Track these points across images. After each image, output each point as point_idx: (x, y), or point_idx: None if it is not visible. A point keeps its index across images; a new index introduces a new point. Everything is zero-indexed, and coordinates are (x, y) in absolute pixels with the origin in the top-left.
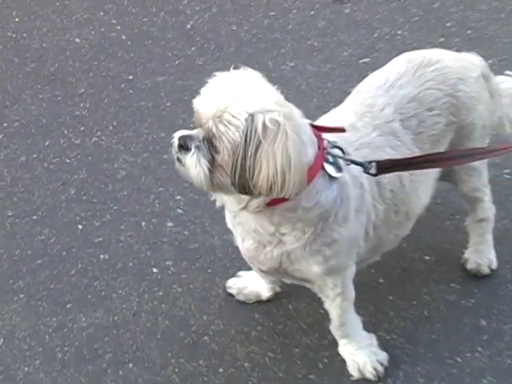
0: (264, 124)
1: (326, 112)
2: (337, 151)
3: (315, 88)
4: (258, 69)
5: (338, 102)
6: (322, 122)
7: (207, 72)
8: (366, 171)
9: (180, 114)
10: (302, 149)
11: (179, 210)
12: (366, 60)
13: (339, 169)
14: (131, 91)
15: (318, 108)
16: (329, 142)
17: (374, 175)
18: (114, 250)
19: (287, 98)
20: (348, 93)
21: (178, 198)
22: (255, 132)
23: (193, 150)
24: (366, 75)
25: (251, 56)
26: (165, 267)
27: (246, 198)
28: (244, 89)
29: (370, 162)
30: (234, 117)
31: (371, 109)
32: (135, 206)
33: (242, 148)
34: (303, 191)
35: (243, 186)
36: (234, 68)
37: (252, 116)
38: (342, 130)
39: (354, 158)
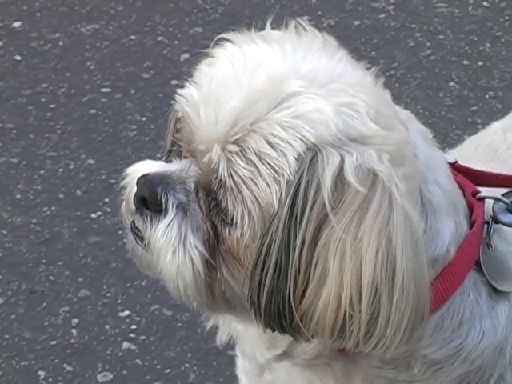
0: (340, 176)
1: (482, 122)
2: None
3: (454, 54)
4: (331, 20)
5: (509, 95)
6: (473, 149)
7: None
8: None
9: (132, 113)
10: (427, 238)
11: (127, 344)
12: None
13: None
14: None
15: (463, 110)
16: (498, 200)
17: None
18: None
19: (396, 96)
20: None
21: (126, 313)
22: (317, 192)
23: (171, 214)
24: None
25: None
26: None
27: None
28: (299, 81)
29: None
30: (271, 146)
31: None
32: (23, 333)
33: (283, 224)
34: (422, 325)
35: (277, 313)
36: (274, 25)
37: (314, 153)
38: None
39: None
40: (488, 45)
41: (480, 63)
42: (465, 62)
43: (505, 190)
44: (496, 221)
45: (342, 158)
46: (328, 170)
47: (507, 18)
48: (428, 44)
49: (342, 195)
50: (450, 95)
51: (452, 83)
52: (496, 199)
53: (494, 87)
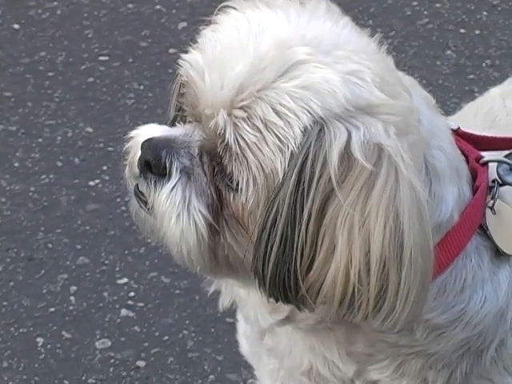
0: (347, 152)
1: (479, 91)
2: None
3: (452, 23)
4: None
5: (506, 64)
6: (472, 116)
7: None
8: None
9: (130, 81)
10: (431, 204)
11: (125, 311)
12: None
13: None
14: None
15: (460, 78)
16: (501, 162)
17: None
18: None
19: (399, 62)
20: None
21: (124, 280)
22: (323, 166)
23: (175, 178)
24: None
25: None
26: None
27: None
28: (305, 47)
29: None
30: (278, 115)
31: None
32: (22, 300)
33: (290, 197)
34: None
35: (282, 285)
36: None
37: (321, 127)
38: None
39: None
40: (485, 13)
41: (477, 32)
42: (462, 31)
43: (506, 152)
44: (503, 182)
45: (349, 134)
46: (335, 146)
47: None
48: (425, 12)
49: (349, 170)
50: (447, 64)
51: (449, 52)
52: (499, 161)
53: (491, 55)
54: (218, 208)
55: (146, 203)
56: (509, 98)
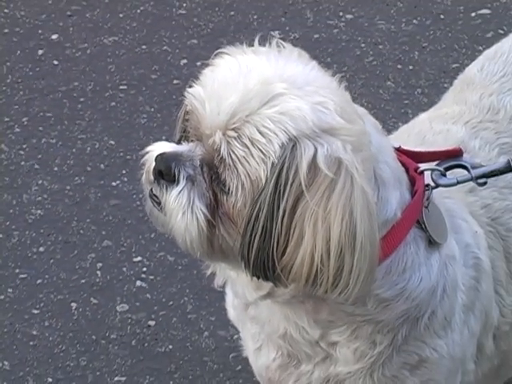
0: (314, 163)
1: (412, 113)
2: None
3: (391, 60)
4: (293, 24)
5: (433, 92)
6: (406, 136)
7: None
8: None
9: (143, 105)
10: (379, 205)
11: (139, 283)
12: (482, 12)
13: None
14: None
15: (397, 103)
16: (434, 170)
17: None
18: (20, 355)
19: (350, 91)
20: (451, 76)
21: (138, 259)
22: (295, 173)
23: (182, 183)
24: (482, 48)
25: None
26: None
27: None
28: (283, 84)
29: None
30: (261, 134)
31: (494, 116)
32: (59, 274)
33: (269, 197)
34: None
35: (263, 266)
36: (262, 41)
37: (294, 143)
38: (456, 152)
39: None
40: (417, 53)
41: (410, 67)
42: (399, 66)
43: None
44: (436, 185)
45: (316, 149)
46: (304, 158)
47: (432, 32)
48: (371, 52)
49: (315, 177)
50: (388, 92)
51: (389, 82)
52: (432, 169)
53: (421, 85)
54: (214, 207)
55: (158, 203)
56: (434, 122)
